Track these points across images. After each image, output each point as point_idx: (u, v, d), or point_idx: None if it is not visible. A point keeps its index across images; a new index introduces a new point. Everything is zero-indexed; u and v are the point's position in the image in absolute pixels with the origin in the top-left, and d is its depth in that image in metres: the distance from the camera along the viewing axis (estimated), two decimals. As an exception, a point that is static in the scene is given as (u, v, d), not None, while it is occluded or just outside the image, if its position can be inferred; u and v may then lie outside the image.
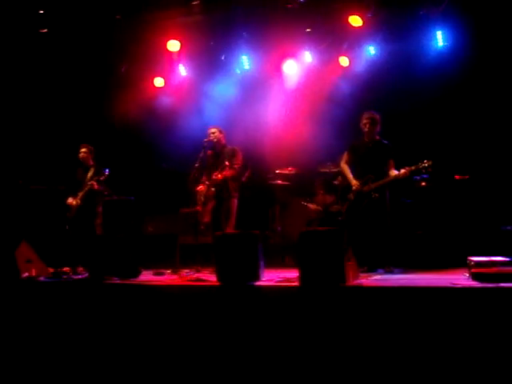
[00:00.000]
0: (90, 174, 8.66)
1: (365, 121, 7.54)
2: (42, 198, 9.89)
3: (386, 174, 7.34)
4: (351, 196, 7.50)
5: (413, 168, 7.13)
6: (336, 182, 9.66)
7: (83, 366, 5.80)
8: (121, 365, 5.64)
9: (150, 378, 5.47)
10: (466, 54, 9.48)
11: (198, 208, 7.98)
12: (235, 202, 8.04)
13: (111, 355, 5.72)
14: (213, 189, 7.87)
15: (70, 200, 8.66)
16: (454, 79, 9.53)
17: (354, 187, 7.47)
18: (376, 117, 7.54)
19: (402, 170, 7.19)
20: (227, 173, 7.79)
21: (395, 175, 7.25)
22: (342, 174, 7.89)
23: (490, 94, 9.23)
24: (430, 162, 7.03)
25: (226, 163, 7.79)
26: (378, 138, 7.58)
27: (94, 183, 8.47)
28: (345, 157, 7.81)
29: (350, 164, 7.74)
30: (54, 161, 10.62)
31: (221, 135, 8.17)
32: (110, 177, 8.60)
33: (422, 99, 9.71)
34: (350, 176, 7.61)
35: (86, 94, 11.24)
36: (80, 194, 8.59)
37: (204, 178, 8.08)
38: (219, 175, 7.79)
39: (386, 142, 7.56)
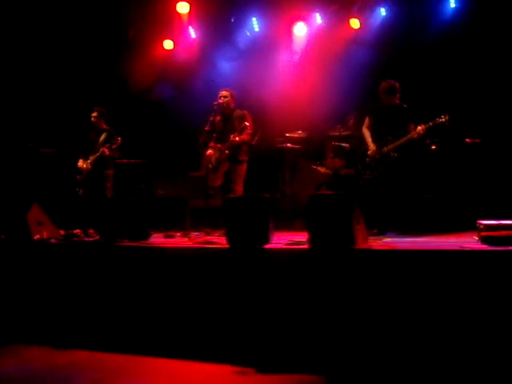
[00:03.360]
0: (101, 138, 8.62)
1: (384, 90, 7.54)
2: (53, 160, 9.92)
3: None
4: (368, 160, 7.55)
5: (430, 124, 7.13)
6: (345, 145, 9.66)
7: (94, 327, 5.89)
8: (131, 326, 5.71)
9: (159, 339, 5.54)
10: (478, 15, 9.38)
11: (207, 172, 7.95)
12: (245, 166, 8.00)
13: (121, 316, 5.79)
14: (227, 151, 7.80)
15: (81, 163, 8.66)
16: (465, 41, 9.45)
17: (369, 152, 7.51)
18: (395, 85, 7.53)
19: (419, 127, 7.18)
20: (245, 136, 7.73)
21: (412, 133, 7.24)
22: (362, 138, 7.89)
23: (503, 56, 9.14)
24: (447, 117, 7.02)
25: (247, 123, 7.64)
26: (397, 102, 7.58)
27: (106, 150, 8.44)
28: (366, 121, 7.86)
29: (370, 129, 7.75)
30: (64, 124, 10.62)
31: (231, 99, 8.05)
32: (122, 140, 8.59)
33: (432, 61, 9.65)
34: (369, 140, 7.66)
35: (96, 58, 11.19)
36: (91, 159, 8.57)
37: (212, 142, 8.03)
38: (237, 138, 7.62)
39: (405, 105, 7.55)
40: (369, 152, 7.56)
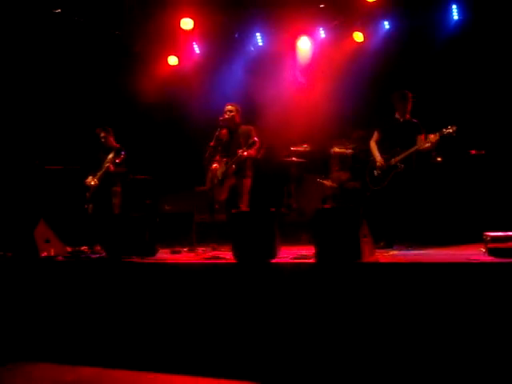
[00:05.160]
0: (110, 156, 8.68)
1: (396, 98, 7.58)
2: (60, 178, 9.95)
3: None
4: (377, 172, 7.57)
5: (437, 135, 7.12)
6: (347, 151, 9.66)
7: (101, 344, 5.88)
8: (138, 342, 5.70)
9: (166, 355, 5.54)
10: (482, 27, 9.40)
11: (212, 186, 7.96)
12: (250, 180, 8.02)
13: (128, 332, 5.78)
14: (233, 166, 7.83)
15: (89, 180, 8.72)
16: (469, 53, 9.46)
17: (378, 163, 7.52)
18: (409, 95, 7.57)
19: (431, 136, 7.16)
20: (252, 151, 7.75)
21: (419, 144, 7.26)
22: (369, 151, 7.91)
23: (508, 67, 9.14)
24: (455, 127, 7.00)
25: (255, 139, 7.68)
26: (408, 116, 7.60)
27: (111, 165, 8.52)
28: (374, 135, 7.87)
29: (379, 142, 7.77)
30: (70, 140, 10.66)
31: (237, 114, 8.06)
32: (127, 156, 8.63)
33: (436, 73, 9.66)
34: (377, 153, 7.67)
35: (102, 74, 11.25)
36: (98, 175, 8.65)
37: (218, 156, 8.05)
38: (245, 152, 7.67)
39: (415, 120, 7.57)
40: (377, 164, 7.57)
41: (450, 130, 7.03)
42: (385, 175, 7.47)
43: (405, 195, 7.35)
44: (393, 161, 7.41)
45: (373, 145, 7.81)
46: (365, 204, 7.58)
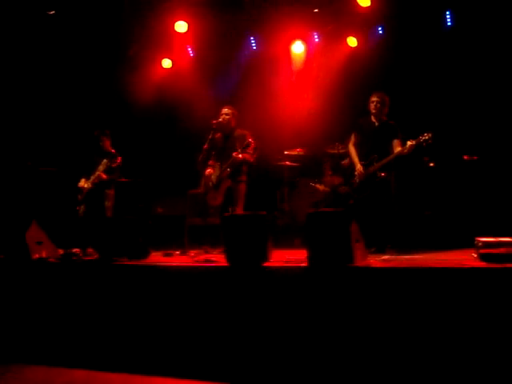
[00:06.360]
0: (104, 161, 8.62)
1: (374, 101, 7.50)
2: (52, 179, 9.93)
3: (391, 153, 7.32)
4: (356, 180, 7.50)
5: (414, 142, 7.07)
6: (343, 162, 9.69)
7: (92, 346, 5.87)
8: (129, 345, 5.69)
9: (158, 359, 5.53)
10: (475, 33, 9.44)
11: (207, 191, 7.94)
12: (245, 186, 7.97)
13: (119, 335, 5.77)
14: (228, 169, 7.80)
15: (82, 182, 8.69)
16: (462, 59, 9.50)
17: (356, 172, 7.47)
18: (385, 98, 7.50)
19: (409, 142, 7.07)
20: (247, 155, 7.70)
21: (397, 151, 7.22)
22: (349, 156, 7.85)
23: (501, 74, 9.18)
24: (430, 134, 6.96)
25: (250, 140, 7.64)
26: (385, 118, 7.54)
27: (102, 174, 8.50)
28: (352, 138, 7.74)
29: (357, 145, 7.70)
30: (63, 142, 10.64)
31: (232, 118, 8.00)
32: (122, 162, 8.63)
33: (430, 79, 9.69)
34: (356, 159, 7.56)
35: (95, 77, 11.24)
36: (91, 178, 8.62)
37: (212, 161, 8.01)
38: (240, 155, 7.62)
39: (392, 122, 7.51)
40: (355, 172, 7.51)
41: (426, 137, 6.98)
42: (365, 184, 7.39)
43: (388, 202, 7.32)
44: (371, 169, 7.35)
45: (352, 149, 7.69)
46: (353, 209, 7.57)
